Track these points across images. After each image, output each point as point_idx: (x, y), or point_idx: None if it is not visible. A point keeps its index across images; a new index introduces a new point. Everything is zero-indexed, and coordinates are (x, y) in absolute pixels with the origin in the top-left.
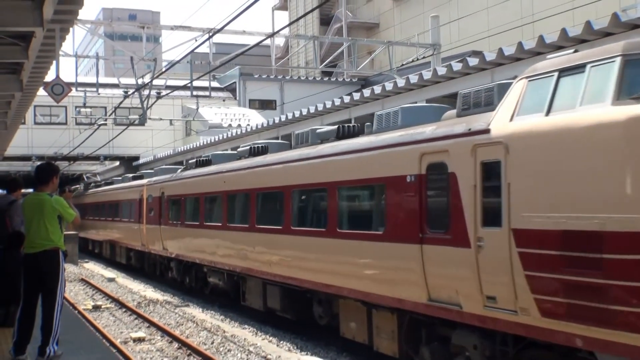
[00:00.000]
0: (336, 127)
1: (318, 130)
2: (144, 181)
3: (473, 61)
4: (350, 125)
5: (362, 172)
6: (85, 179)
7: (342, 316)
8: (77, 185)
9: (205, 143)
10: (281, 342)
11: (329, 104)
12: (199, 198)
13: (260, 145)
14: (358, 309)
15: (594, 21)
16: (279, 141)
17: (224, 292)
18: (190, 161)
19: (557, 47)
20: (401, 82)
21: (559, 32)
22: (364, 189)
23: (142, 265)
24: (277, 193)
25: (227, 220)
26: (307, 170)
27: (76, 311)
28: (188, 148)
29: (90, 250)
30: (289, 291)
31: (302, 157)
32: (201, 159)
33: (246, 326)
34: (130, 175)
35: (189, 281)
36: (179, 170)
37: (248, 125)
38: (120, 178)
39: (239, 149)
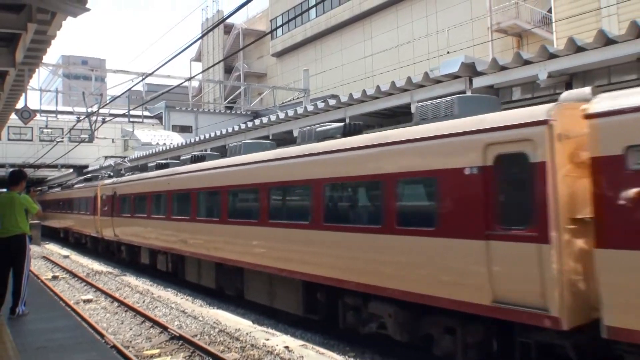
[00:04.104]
0: None
1: None
2: (397, 132)
3: (332, 102)
4: None
5: None
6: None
7: None
8: (40, 188)
9: (139, 156)
10: (195, 300)
11: (230, 130)
12: None
13: None
14: None
15: (413, 77)
16: None
17: None
18: None
19: (388, 94)
20: (282, 115)
21: (390, 83)
22: None
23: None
24: None
25: None
26: None
27: (39, 280)
28: (127, 159)
29: (142, 263)
30: None
31: None
32: None
33: (169, 289)
34: (254, 139)
35: None
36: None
37: (171, 143)
38: (178, 160)
39: None
